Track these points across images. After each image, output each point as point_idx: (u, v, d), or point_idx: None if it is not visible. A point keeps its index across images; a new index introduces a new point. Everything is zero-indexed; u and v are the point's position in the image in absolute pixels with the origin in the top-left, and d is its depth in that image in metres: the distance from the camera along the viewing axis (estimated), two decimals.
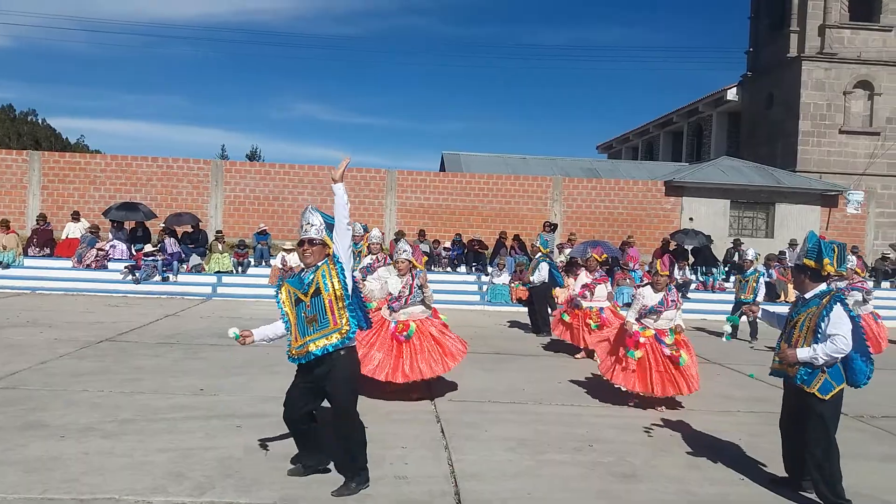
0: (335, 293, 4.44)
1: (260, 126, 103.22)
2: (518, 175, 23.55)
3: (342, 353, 4.50)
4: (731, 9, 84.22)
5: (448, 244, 20.46)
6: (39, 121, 51.18)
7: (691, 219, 22.79)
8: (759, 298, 12.56)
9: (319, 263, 4.51)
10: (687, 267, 18.75)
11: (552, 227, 20.12)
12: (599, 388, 8.20)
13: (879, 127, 26.59)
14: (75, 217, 19.56)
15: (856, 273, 10.50)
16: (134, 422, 6.10)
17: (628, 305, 16.80)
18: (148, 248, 17.71)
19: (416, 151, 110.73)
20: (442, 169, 26.90)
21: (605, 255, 10.84)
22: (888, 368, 10.36)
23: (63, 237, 19.06)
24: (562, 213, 22.89)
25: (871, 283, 10.51)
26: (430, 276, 18.25)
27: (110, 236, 18.71)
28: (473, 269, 19.66)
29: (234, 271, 18.05)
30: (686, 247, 20.04)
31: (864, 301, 10.23)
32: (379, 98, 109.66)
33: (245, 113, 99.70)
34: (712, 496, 4.91)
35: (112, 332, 10.81)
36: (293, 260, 17.49)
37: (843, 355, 4.44)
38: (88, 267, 17.15)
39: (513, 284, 16.85)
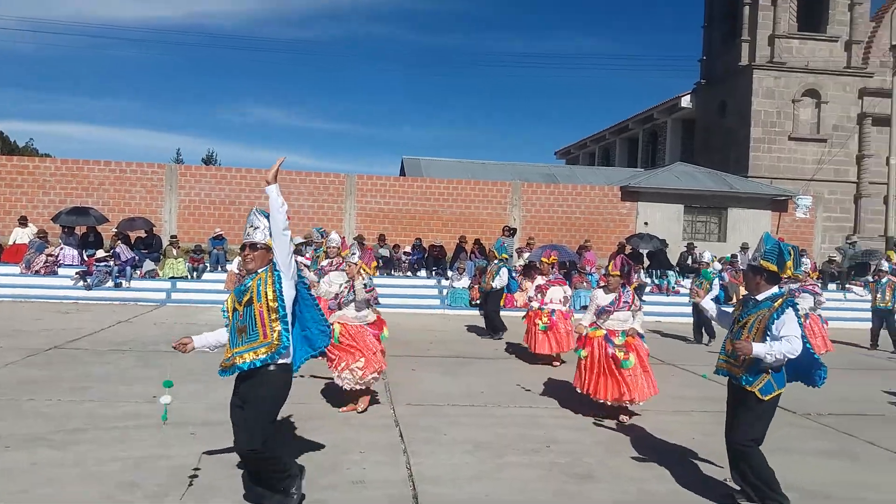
0: (267, 304, 4.09)
1: (216, 130, 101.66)
2: (478, 180, 23.67)
3: (271, 369, 4.12)
4: (686, 18, 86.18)
5: (408, 248, 20.45)
6: None
7: (646, 223, 23.19)
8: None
9: (259, 270, 4.22)
10: (642, 270, 19.07)
11: (511, 232, 20.27)
12: (557, 391, 8.29)
13: (826, 134, 27.45)
14: (23, 222, 19.00)
15: (808, 276, 10.77)
16: (84, 431, 5.95)
17: (586, 308, 17.06)
18: (100, 253, 17.31)
19: (375, 157, 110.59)
20: (402, 174, 26.89)
21: (554, 258, 10.92)
22: (833, 368, 10.68)
23: (10, 243, 18.50)
24: (521, 217, 23.07)
25: (819, 286, 10.77)
26: (391, 281, 18.33)
27: (60, 242, 18.23)
28: (433, 273, 19.68)
29: (190, 277, 17.75)
30: (641, 251, 20.38)
31: (816, 304, 10.49)
32: (337, 103, 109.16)
33: (201, 117, 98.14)
34: (666, 494, 5.01)
35: (62, 340, 10.53)
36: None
37: (793, 356, 4.44)
38: (37, 273, 16.67)
39: (474, 288, 16.92)
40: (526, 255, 18.60)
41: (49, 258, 17.04)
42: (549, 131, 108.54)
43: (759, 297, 4.62)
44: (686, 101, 31.88)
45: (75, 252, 18.05)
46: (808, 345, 4.53)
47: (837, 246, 23.66)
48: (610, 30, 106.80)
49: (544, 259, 11.02)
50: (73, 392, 7.29)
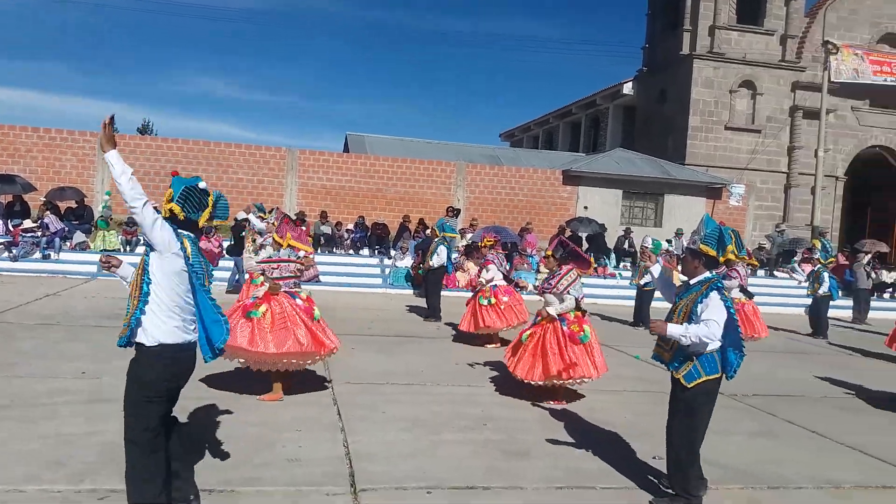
0: (137, 277, 3.75)
1: (152, 99, 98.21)
2: (423, 159, 23.57)
3: (134, 349, 3.74)
4: (630, 6, 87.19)
5: (351, 226, 20.28)
6: None
7: (586, 207, 23.59)
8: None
9: None
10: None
11: (455, 213, 20.32)
12: (496, 370, 8.40)
13: (760, 125, 28.34)
14: None
15: (741, 260, 11.04)
16: (10, 407, 5.74)
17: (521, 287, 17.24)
18: (27, 223, 16.58)
19: (318, 132, 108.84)
20: (346, 150, 26.57)
21: (490, 241, 10.89)
22: (763, 351, 11.16)
23: None
24: (465, 198, 23.13)
25: (743, 270, 11.00)
26: (333, 259, 18.17)
27: None
28: (376, 252, 19.59)
29: (123, 250, 17.18)
30: (580, 234, 20.72)
31: (743, 289, 10.78)
32: (280, 76, 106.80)
33: (137, 85, 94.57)
34: (599, 470, 5.15)
35: None
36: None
37: (712, 342, 4.29)
38: None
39: (414, 268, 16.92)
40: (469, 235, 18.69)
41: None
42: (494, 113, 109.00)
43: (693, 281, 4.56)
44: (628, 88, 32.38)
45: (0, 222, 17.24)
46: (738, 330, 4.45)
47: (767, 234, 24.57)
48: (557, 14, 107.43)
49: (480, 242, 11.09)
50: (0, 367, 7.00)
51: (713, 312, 4.30)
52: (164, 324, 3.68)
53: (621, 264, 20.76)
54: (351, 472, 4.80)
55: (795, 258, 20.87)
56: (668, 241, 20.87)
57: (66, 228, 16.96)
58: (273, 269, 6.59)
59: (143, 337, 3.68)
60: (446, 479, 4.76)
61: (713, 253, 4.50)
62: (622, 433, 6.15)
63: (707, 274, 4.54)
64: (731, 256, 4.55)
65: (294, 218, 7.05)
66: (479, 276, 10.65)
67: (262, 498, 4.29)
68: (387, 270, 18.02)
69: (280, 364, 6.33)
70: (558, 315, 6.94)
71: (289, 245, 6.67)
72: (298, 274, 6.73)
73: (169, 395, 3.80)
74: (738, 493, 4.93)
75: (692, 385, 4.39)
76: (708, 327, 4.27)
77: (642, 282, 13.09)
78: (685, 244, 18.41)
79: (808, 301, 14.37)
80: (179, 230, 3.81)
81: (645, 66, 32.13)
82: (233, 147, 21.88)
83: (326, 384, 7.25)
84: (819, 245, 14.35)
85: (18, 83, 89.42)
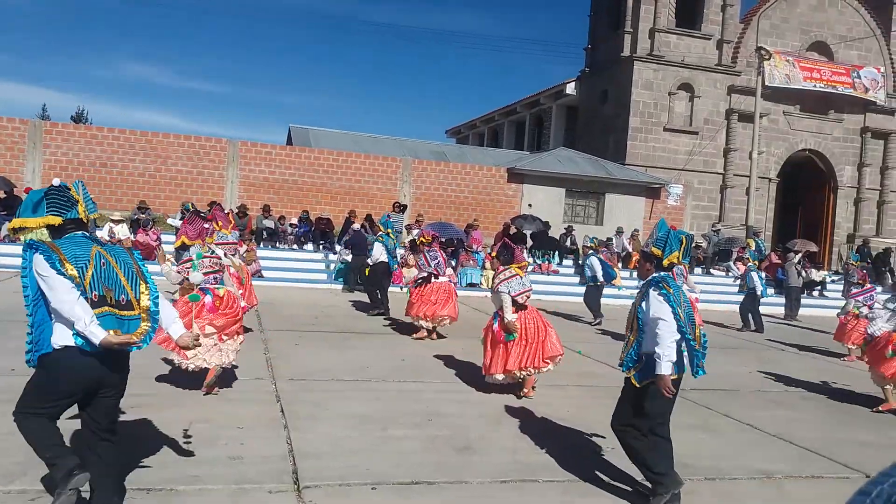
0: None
1: (87, 86, 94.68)
2: (368, 154, 23.42)
3: None
4: (575, 6, 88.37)
5: (294, 220, 19.99)
6: None
7: (530, 205, 23.85)
8: (599, 277, 13.86)
9: None
10: (525, 250, 19.61)
11: (402, 208, 20.27)
12: (442, 366, 8.42)
13: (698, 127, 29.15)
14: None
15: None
16: None
17: (472, 285, 17.31)
18: None
19: (259, 123, 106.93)
20: (289, 143, 26.17)
21: (428, 238, 11.04)
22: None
23: None
24: (411, 194, 23.08)
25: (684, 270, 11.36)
26: (276, 254, 17.89)
27: None
28: (320, 247, 19.38)
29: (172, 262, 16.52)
30: (525, 231, 20.95)
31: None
32: (219, 64, 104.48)
33: (70, 71, 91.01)
34: (542, 464, 5.21)
35: None
36: (122, 231, 16.36)
37: (676, 338, 4.29)
38: None
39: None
40: (415, 231, 18.66)
41: None
42: (440, 110, 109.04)
43: (642, 284, 4.64)
44: (571, 88, 32.85)
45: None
46: (682, 326, 4.35)
47: (703, 233, 25.31)
48: (501, 12, 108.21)
49: (419, 238, 11.17)
50: None
51: (656, 310, 4.34)
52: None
53: (563, 261, 21.06)
54: (294, 469, 4.74)
55: (731, 257, 21.58)
56: (608, 239, 21.30)
57: None
58: (186, 268, 6.50)
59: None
60: (391, 475, 4.75)
61: (661, 255, 4.56)
62: (566, 426, 6.25)
63: (656, 274, 4.58)
64: (674, 260, 4.57)
65: (201, 213, 6.90)
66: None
67: (204, 496, 4.20)
68: (331, 266, 17.84)
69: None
70: (496, 312, 7.21)
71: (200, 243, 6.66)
72: (215, 268, 6.61)
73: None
74: None
75: (643, 384, 4.45)
76: (660, 329, 4.28)
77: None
78: (624, 242, 19.04)
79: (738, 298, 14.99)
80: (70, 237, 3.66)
81: (587, 66, 32.64)
82: (171, 137, 21.29)
83: (268, 380, 7.13)
84: (753, 245, 14.91)
85: None
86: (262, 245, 18.15)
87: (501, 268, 7.41)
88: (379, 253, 12.49)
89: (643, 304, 4.45)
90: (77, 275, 3.48)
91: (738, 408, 7.53)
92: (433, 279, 10.33)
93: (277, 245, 19.12)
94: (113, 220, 16.36)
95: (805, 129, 30.27)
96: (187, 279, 6.19)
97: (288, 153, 22.54)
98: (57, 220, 3.68)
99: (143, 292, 3.74)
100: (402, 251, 14.06)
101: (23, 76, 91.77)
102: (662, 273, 4.55)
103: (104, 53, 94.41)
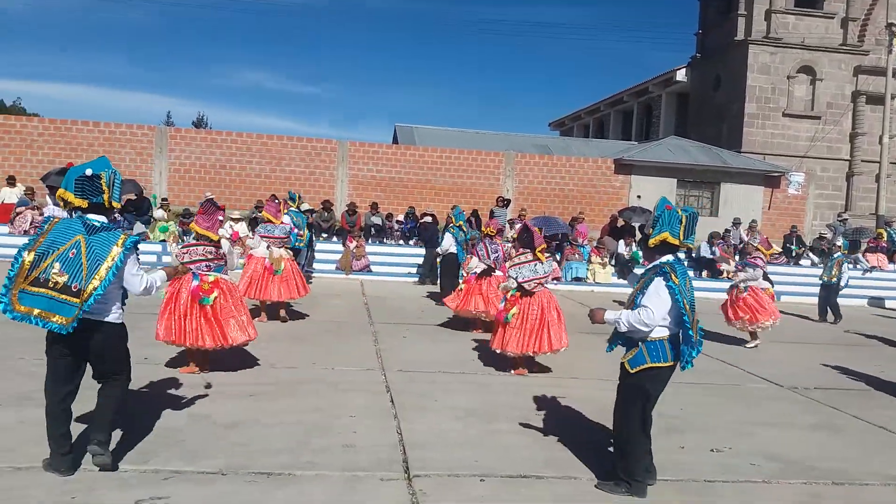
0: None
1: (206, 93, 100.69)
2: (471, 150, 23.52)
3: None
4: None
5: (401, 217, 20.38)
6: None
7: (639, 196, 23.18)
8: (843, 283, 13.69)
9: None
10: (633, 243, 19.10)
11: (505, 203, 20.22)
12: (545, 360, 8.34)
13: (820, 111, 27.42)
14: (10, 182, 18.75)
15: (757, 249, 10.76)
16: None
17: (577, 280, 17.06)
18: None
19: (366, 123, 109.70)
20: (395, 141, 26.70)
21: (492, 230, 10.76)
22: (822, 344, 10.83)
23: None
24: (514, 188, 23.00)
25: (763, 260, 10.63)
26: (383, 249, 18.31)
27: (49, 202, 18.04)
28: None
29: (181, 240, 17.63)
30: (633, 224, 20.38)
31: (758, 277, 10.48)
32: (327, 68, 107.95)
33: (191, 80, 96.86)
34: (676, 463, 5.05)
35: None
36: (241, 229, 17.21)
37: (647, 329, 4.17)
38: (25, 233, 16.53)
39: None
40: (518, 226, 18.59)
41: (35, 218, 16.86)
42: (543, 102, 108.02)
43: (648, 266, 4.41)
44: (681, 75, 31.70)
45: (65, 213, 17.85)
46: (686, 319, 4.16)
47: (828, 223, 23.78)
48: (606, 1, 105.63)
49: (484, 229, 10.91)
50: None
51: (650, 299, 4.18)
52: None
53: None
54: (405, 458, 4.83)
55: (860, 248, 20.17)
56: (725, 231, 20.40)
57: (128, 220, 17.48)
58: (183, 253, 6.88)
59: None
60: (499, 468, 4.75)
61: (666, 236, 4.31)
62: (677, 425, 6.03)
63: (664, 258, 4.31)
64: (670, 240, 4.26)
65: (214, 205, 7.26)
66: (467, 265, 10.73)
67: (320, 481, 4.36)
68: (437, 261, 18.03)
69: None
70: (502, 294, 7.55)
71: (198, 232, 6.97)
72: (210, 257, 6.92)
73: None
74: (800, 487, 4.79)
75: (636, 370, 4.28)
76: (640, 314, 4.17)
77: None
78: (742, 234, 18.12)
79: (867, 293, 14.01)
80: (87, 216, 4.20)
81: (698, 52, 31.40)
82: (285, 139, 22.21)
83: (378, 371, 7.31)
84: (885, 235, 13.89)
85: (75, 79, 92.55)
86: (370, 241, 18.61)
87: (521, 250, 7.52)
88: (448, 244, 12.45)
89: (643, 291, 4.25)
90: (29, 261, 3.99)
91: (867, 408, 7.02)
92: (492, 273, 10.05)
93: (384, 241, 19.55)
94: (233, 219, 17.25)
95: None
96: (182, 264, 6.45)
97: (394, 151, 22.99)
98: (83, 203, 4.22)
99: (94, 279, 4.06)
100: (509, 244, 14.01)
101: (149, 86, 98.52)
102: (671, 259, 4.29)
103: (222, 62, 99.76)
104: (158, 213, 18.28)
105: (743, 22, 27.64)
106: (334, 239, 18.52)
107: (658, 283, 4.18)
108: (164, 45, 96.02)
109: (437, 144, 24.04)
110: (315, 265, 15.79)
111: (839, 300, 13.90)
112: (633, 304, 4.32)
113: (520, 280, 7.32)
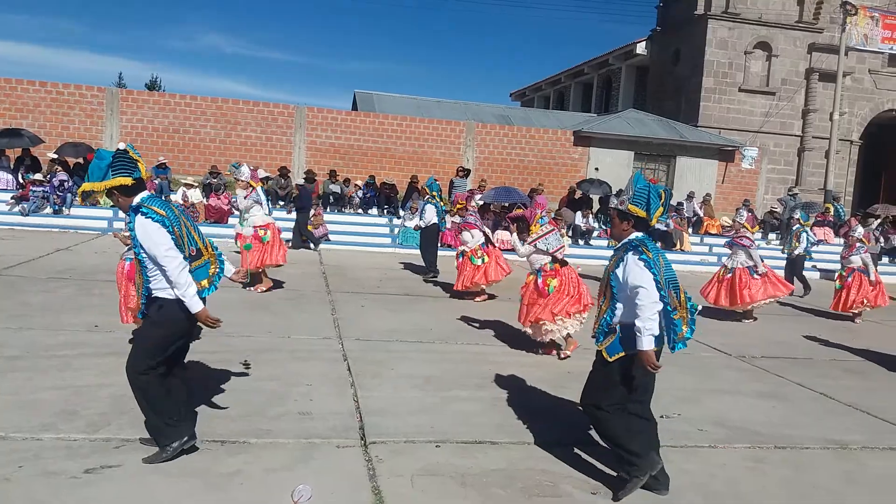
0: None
1: (160, 55, 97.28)
2: (432, 118, 23.36)
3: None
4: None
5: (360, 183, 20.21)
6: None
7: (597, 168, 23.39)
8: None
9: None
10: (591, 215, 19.32)
11: (465, 173, 20.19)
12: (503, 329, 8.43)
13: (775, 87, 27.89)
14: None
15: (744, 227, 10.76)
16: (22, 358, 5.80)
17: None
18: (38, 177, 16.57)
19: (325, 89, 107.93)
20: (354, 108, 26.34)
21: (461, 203, 11.06)
22: (769, 314, 11.16)
23: None
24: (474, 158, 22.97)
25: (755, 238, 10.74)
26: (342, 218, 18.16)
27: None
28: (385, 211, 19.56)
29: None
30: (591, 196, 20.60)
31: (750, 257, 10.55)
32: (286, 32, 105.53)
33: (144, 41, 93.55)
34: None
35: None
36: (195, 196, 16.87)
37: (658, 306, 3.84)
38: None
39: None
40: (478, 196, 18.60)
41: None
42: (504, 73, 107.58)
43: (619, 245, 4.13)
44: (641, 48, 31.85)
45: (9, 176, 17.26)
46: (666, 300, 3.89)
47: (779, 197, 24.37)
48: None
49: (452, 205, 11.17)
50: (11, 319, 7.06)
51: (635, 277, 3.87)
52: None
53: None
54: (361, 425, 4.85)
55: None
56: (679, 204, 20.73)
57: (76, 184, 16.96)
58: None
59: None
60: (455, 434, 4.81)
61: (643, 214, 4.01)
62: None
63: (633, 235, 4.07)
64: (655, 220, 4.10)
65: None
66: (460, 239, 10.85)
67: (275, 449, 4.35)
68: (395, 230, 17.99)
69: None
70: (538, 269, 7.33)
71: None
72: None
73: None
74: (745, 452, 4.96)
75: (613, 359, 4.03)
76: (640, 299, 3.81)
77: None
78: (695, 207, 18.42)
79: (819, 266, 14.38)
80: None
81: (659, 25, 31.55)
82: (241, 104, 21.73)
83: (336, 340, 7.29)
84: (832, 209, 14.28)
85: (24, 37, 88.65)
86: (328, 210, 18.44)
87: (539, 225, 7.48)
88: (431, 215, 12.42)
89: (617, 270, 4.00)
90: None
91: (811, 376, 7.29)
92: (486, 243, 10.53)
93: (343, 210, 19.38)
94: (186, 185, 16.88)
95: (893, 89, 28.61)
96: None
97: (353, 118, 22.71)
98: (129, 181, 3.95)
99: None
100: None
101: (99, 46, 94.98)
102: (640, 234, 4.05)
103: (177, 23, 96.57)
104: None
105: None
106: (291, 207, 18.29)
107: (632, 259, 3.91)
108: (116, 4, 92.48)
109: (398, 112, 23.81)
110: None
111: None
112: (609, 287, 4.06)
113: (551, 251, 7.27)
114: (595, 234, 19.04)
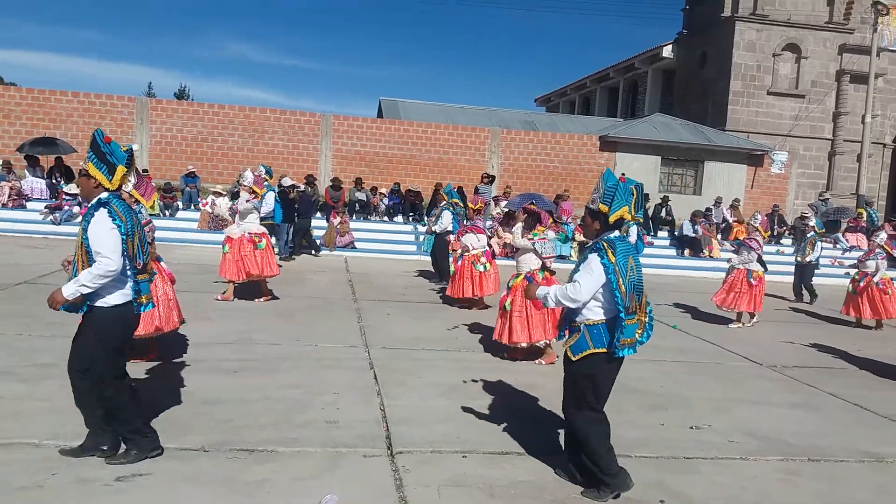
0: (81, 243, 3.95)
1: (188, 65, 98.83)
2: (456, 125, 23.37)
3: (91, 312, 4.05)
4: None
5: (383, 191, 20.28)
6: None
7: (624, 174, 22.96)
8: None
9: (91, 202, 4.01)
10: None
11: (490, 179, 20.16)
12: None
13: (804, 90, 27.48)
14: None
15: (756, 230, 10.65)
16: (56, 366, 5.87)
17: (561, 258, 17.12)
18: (71, 187, 16.88)
19: (351, 98, 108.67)
20: (379, 115, 26.46)
21: (481, 205, 10.90)
22: (803, 323, 10.96)
23: None
24: (499, 164, 22.94)
25: (759, 242, 10.53)
26: (368, 226, 18.23)
27: (27, 174, 17.76)
28: (410, 218, 19.61)
29: (162, 214, 17.44)
30: None
31: (759, 260, 10.46)
32: (312, 41, 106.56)
33: (173, 50, 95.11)
34: (635, 440, 5.12)
35: (32, 275, 10.35)
36: (223, 204, 17.04)
37: (574, 305, 3.97)
38: (4, 206, 16.27)
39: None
40: (503, 203, 18.56)
41: (13, 191, 16.61)
42: (529, 78, 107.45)
43: (591, 243, 4.15)
44: (667, 52, 31.59)
45: (43, 185, 17.61)
46: (618, 298, 3.90)
47: (810, 202, 23.98)
48: None
49: (470, 205, 10.97)
50: (45, 327, 7.19)
51: (581, 274, 3.96)
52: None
53: (658, 233, 20.44)
54: (387, 434, 4.85)
55: (840, 228, 20.37)
56: (707, 209, 20.51)
57: None
58: None
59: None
60: (482, 444, 4.79)
61: (606, 210, 4.03)
62: (659, 402, 6.11)
63: (604, 235, 4.07)
64: (627, 216, 4.05)
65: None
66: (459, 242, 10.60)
67: (302, 458, 4.37)
68: (420, 237, 18.02)
69: None
70: (527, 276, 7.20)
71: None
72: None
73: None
74: (777, 464, 4.87)
75: (578, 357, 4.03)
76: (566, 289, 3.98)
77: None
78: (724, 213, 18.00)
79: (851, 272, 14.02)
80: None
81: (685, 28, 31.28)
82: (268, 112, 21.95)
83: (362, 348, 7.31)
84: (864, 215, 13.99)
85: (57, 48, 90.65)
86: (354, 217, 18.54)
87: (545, 232, 7.37)
88: (447, 222, 12.36)
89: (580, 266, 4.06)
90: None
91: (844, 386, 7.14)
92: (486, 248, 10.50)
93: (369, 217, 19.47)
94: (214, 193, 17.07)
95: None
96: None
97: (378, 126, 22.80)
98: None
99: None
100: (491, 223, 14.01)
101: (129, 56, 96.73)
102: (611, 235, 4.03)
103: (205, 32, 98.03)
104: None
105: None
106: (318, 215, 18.43)
107: (592, 259, 3.95)
108: (146, 14, 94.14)
109: (423, 119, 23.85)
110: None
111: (816, 279, 14.04)
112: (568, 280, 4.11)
113: (543, 255, 7.19)
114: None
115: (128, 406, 4.12)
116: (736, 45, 26.99)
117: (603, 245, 3.96)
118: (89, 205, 4.00)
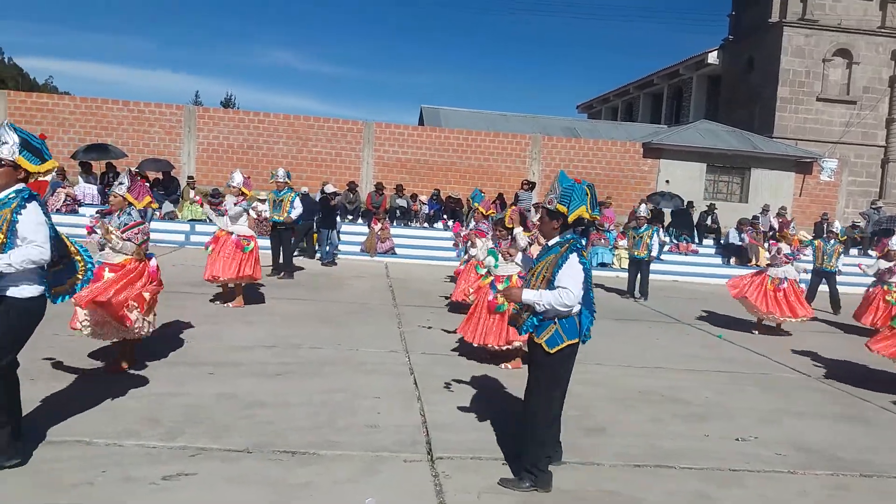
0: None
1: (234, 73, 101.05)
2: (497, 132, 23.36)
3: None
4: None
5: (423, 198, 20.37)
6: (5, 59, 49.50)
7: (668, 181, 22.90)
8: (654, 254, 13.22)
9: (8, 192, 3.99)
10: (662, 229, 18.90)
11: (530, 186, 20.09)
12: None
13: (856, 96, 26.78)
14: None
15: (788, 240, 10.52)
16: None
17: (603, 265, 16.93)
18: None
19: (393, 105, 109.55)
20: (421, 123, 26.62)
21: (493, 210, 10.69)
22: (839, 332, 10.65)
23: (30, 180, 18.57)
24: (540, 171, 22.85)
25: (786, 249, 10.32)
26: (408, 232, 18.33)
27: (80, 180, 18.32)
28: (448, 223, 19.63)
29: (208, 220, 17.77)
30: (662, 209, 20.17)
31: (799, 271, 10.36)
32: (355, 48, 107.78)
33: (219, 59, 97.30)
34: (674, 450, 5.04)
35: None
36: (265, 209, 17.32)
37: (568, 309, 4.08)
38: (58, 211, 16.80)
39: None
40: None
41: (67, 196, 17.14)
42: (571, 84, 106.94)
43: (550, 242, 4.26)
44: (713, 58, 31.13)
45: (95, 191, 18.14)
46: (591, 295, 4.25)
47: (862, 211, 23.31)
48: None
49: (481, 209, 10.68)
50: None
51: (569, 279, 4.04)
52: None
53: (703, 241, 20.08)
54: (428, 439, 4.86)
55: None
56: (755, 217, 20.09)
57: (157, 200, 17.69)
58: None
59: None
60: None
61: (565, 210, 4.14)
62: (701, 412, 6.00)
63: (567, 234, 4.22)
64: (585, 215, 4.16)
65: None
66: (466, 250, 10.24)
67: (343, 462, 4.40)
68: (457, 243, 18.02)
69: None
70: (492, 282, 7.27)
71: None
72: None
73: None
74: (827, 479, 4.74)
75: (555, 350, 4.13)
76: (561, 296, 4.02)
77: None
78: (771, 221, 17.52)
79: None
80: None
81: (731, 34, 30.80)
82: (311, 120, 22.25)
83: (402, 353, 7.35)
84: None
85: (108, 58, 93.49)
86: (395, 223, 18.66)
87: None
88: (483, 253, 12.18)
89: (559, 269, 4.09)
90: None
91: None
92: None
93: (409, 223, 19.57)
94: (259, 200, 17.34)
95: None
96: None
97: (420, 133, 22.93)
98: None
99: None
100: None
101: (177, 65, 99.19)
102: (582, 238, 4.26)
103: (249, 41, 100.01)
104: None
105: (778, 3, 27.02)
106: (359, 221, 18.61)
107: (572, 260, 4.07)
108: (192, 24, 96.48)
109: (464, 126, 23.91)
110: (340, 247, 15.87)
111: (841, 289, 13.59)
112: (547, 281, 4.14)
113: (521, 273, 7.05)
114: (666, 248, 18.61)
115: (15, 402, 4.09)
116: (784, 51, 26.46)
117: (579, 245, 4.16)
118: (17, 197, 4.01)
